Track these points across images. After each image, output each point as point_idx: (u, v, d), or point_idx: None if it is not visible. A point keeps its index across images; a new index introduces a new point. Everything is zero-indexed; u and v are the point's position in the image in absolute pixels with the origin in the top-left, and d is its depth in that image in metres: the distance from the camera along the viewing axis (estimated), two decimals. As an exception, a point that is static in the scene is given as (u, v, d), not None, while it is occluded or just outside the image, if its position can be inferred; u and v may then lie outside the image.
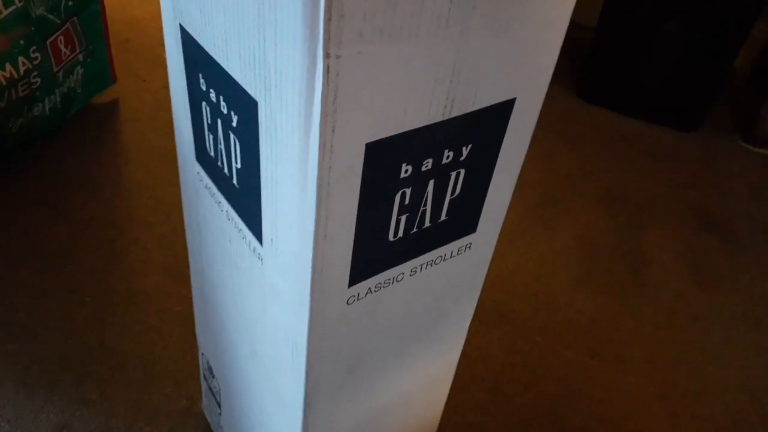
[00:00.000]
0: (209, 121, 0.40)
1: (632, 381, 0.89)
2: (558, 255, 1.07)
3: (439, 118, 0.33)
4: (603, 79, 1.48)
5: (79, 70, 1.17)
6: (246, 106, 0.34)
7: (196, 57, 0.38)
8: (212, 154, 0.42)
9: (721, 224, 1.19)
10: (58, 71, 1.09)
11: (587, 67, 1.49)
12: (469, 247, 0.45)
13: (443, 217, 0.40)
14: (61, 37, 1.08)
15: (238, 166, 0.38)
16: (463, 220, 0.42)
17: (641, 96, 1.45)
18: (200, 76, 0.39)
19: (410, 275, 0.42)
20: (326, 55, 0.26)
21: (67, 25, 1.09)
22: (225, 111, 0.37)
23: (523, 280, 1.02)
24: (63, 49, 1.09)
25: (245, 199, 0.39)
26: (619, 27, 1.41)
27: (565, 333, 0.94)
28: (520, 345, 0.91)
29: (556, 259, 1.06)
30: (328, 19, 0.25)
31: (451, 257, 0.45)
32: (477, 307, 0.93)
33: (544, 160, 1.29)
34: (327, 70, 0.26)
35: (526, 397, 0.85)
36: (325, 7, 0.24)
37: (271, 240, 0.38)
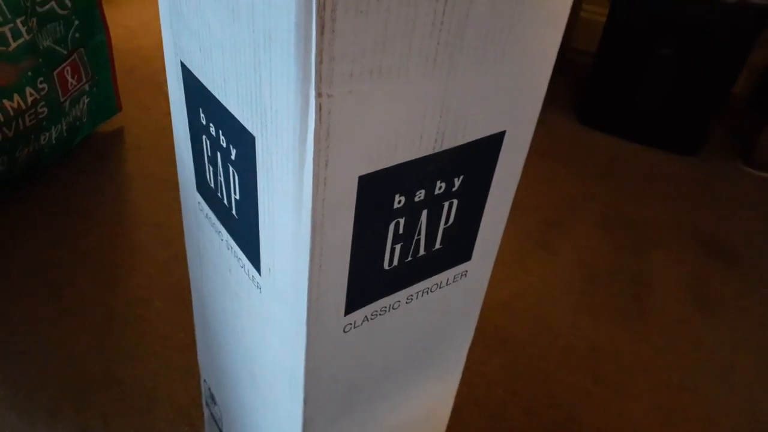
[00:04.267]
0: (209, 154, 0.41)
1: (635, 407, 0.88)
2: (559, 280, 1.08)
3: (430, 151, 0.34)
4: (603, 103, 1.49)
5: (85, 99, 1.19)
6: (244, 141, 0.35)
7: (197, 92, 0.39)
8: (212, 185, 0.43)
9: (723, 248, 1.20)
10: (64, 101, 1.11)
11: (587, 91, 1.51)
12: (465, 275, 0.46)
13: (438, 245, 0.41)
14: (68, 68, 1.10)
15: (237, 197, 0.39)
16: (457, 248, 0.43)
17: (641, 120, 1.46)
18: (200, 110, 0.40)
19: (406, 303, 0.43)
20: (318, 95, 0.27)
21: (74, 55, 1.12)
22: (224, 144, 0.38)
23: (524, 305, 1.02)
24: (70, 80, 1.11)
25: (244, 229, 0.40)
26: (618, 52, 1.43)
27: (566, 358, 0.94)
28: (522, 371, 0.91)
29: (557, 284, 1.07)
30: (319, 62, 0.26)
31: (447, 285, 0.45)
32: (478, 332, 0.93)
33: (545, 185, 1.30)
34: (319, 108, 0.27)
35: (528, 423, 0.84)
36: (316, 51, 0.25)
37: (269, 269, 0.39)
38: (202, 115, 0.40)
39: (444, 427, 0.64)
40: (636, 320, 1.02)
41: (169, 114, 0.46)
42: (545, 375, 0.91)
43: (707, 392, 0.92)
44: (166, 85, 0.45)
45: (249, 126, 0.33)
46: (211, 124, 0.39)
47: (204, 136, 0.41)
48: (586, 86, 1.51)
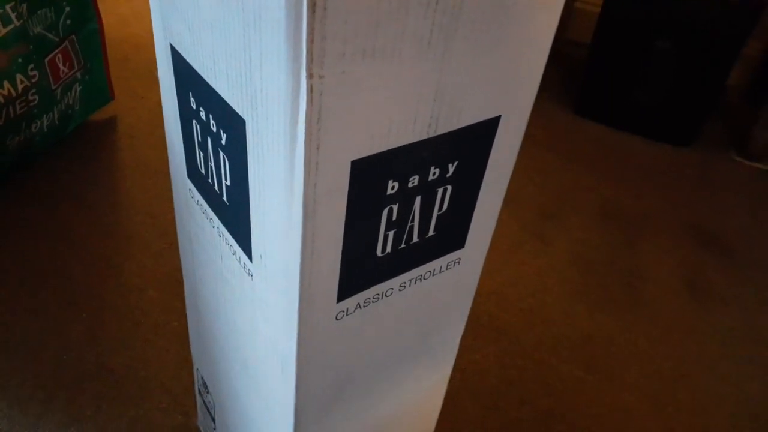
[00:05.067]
0: (200, 139, 0.41)
1: (628, 396, 0.89)
2: (554, 270, 1.08)
3: (424, 136, 0.34)
4: (598, 94, 1.49)
5: (77, 87, 1.18)
6: (234, 125, 0.34)
7: (186, 76, 0.39)
8: (203, 171, 0.42)
9: (717, 238, 1.20)
10: (56, 89, 1.10)
11: (582, 82, 1.51)
12: (458, 263, 0.46)
13: (431, 232, 0.41)
14: (60, 55, 1.09)
15: (228, 183, 0.39)
16: (451, 235, 0.43)
17: (636, 111, 1.46)
18: (190, 94, 0.39)
19: (399, 290, 0.43)
20: (309, 76, 0.26)
21: (66, 43, 1.10)
22: (214, 129, 0.38)
23: (519, 295, 1.02)
24: (61, 67, 1.10)
25: (235, 215, 0.40)
26: (613, 43, 1.42)
27: (560, 348, 0.94)
28: (516, 360, 0.91)
29: (552, 274, 1.07)
30: (310, 41, 0.25)
31: (440, 272, 0.45)
32: (473, 321, 0.93)
33: (540, 176, 1.30)
34: (311, 90, 0.27)
35: (522, 412, 0.84)
36: (307, 30, 0.25)
37: (260, 256, 0.38)
38: (192, 99, 0.39)
39: (436, 414, 0.64)
40: (629, 310, 1.02)
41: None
42: (539, 364, 0.91)
43: (700, 381, 0.92)
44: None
45: (239, 109, 0.33)
46: (201, 109, 0.38)
47: (194, 121, 0.40)
48: (582, 77, 1.51)
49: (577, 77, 1.55)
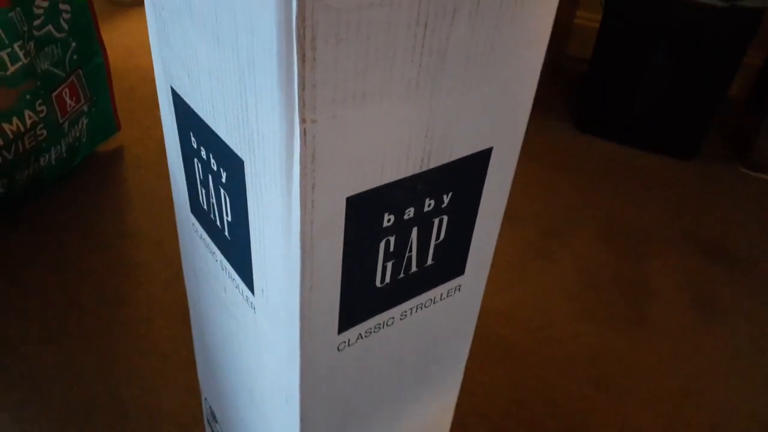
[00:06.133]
0: (201, 177, 0.42)
1: (639, 414, 0.88)
2: (560, 288, 1.08)
3: (417, 170, 0.34)
4: (599, 109, 1.50)
5: (84, 120, 1.20)
6: (233, 165, 0.35)
7: (187, 117, 0.40)
8: (205, 207, 0.43)
9: (723, 252, 1.19)
10: (63, 122, 1.12)
11: (583, 98, 1.52)
12: (459, 289, 0.46)
13: (430, 261, 0.41)
14: (66, 90, 1.11)
15: (229, 219, 0.40)
16: (450, 263, 0.43)
17: (638, 125, 1.47)
18: (191, 134, 0.40)
19: (401, 319, 0.43)
20: (302, 120, 0.27)
21: (72, 77, 1.13)
22: (215, 168, 0.39)
23: (526, 314, 1.02)
24: (68, 101, 1.12)
25: (236, 250, 0.41)
26: (613, 58, 1.44)
27: (569, 366, 0.94)
28: (525, 380, 0.91)
29: (559, 292, 1.07)
30: (302, 89, 0.26)
31: (441, 299, 0.45)
32: (481, 342, 0.93)
33: (543, 193, 1.30)
34: (304, 133, 0.28)
35: (531, 433, 0.84)
36: (298, 79, 0.26)
37: (262, 290, 0.39)
38: (193, 138, 0.40)
39: (445, 440, 0.64)
40: (637, 327, 1.02)
41: (163, 136, 0.47)
42: (548, 384, 0.91)
43: (711, 397, 0.92)
44: (159, 109, 0.45)
45: (237, 150, 0.34)
46: (201, 148, 0.40)
47: (196, 159, 0.41)
48: (582, 93, 1.52)
49: (577, 92, 1.56)
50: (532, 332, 0.99)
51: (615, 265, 1.14)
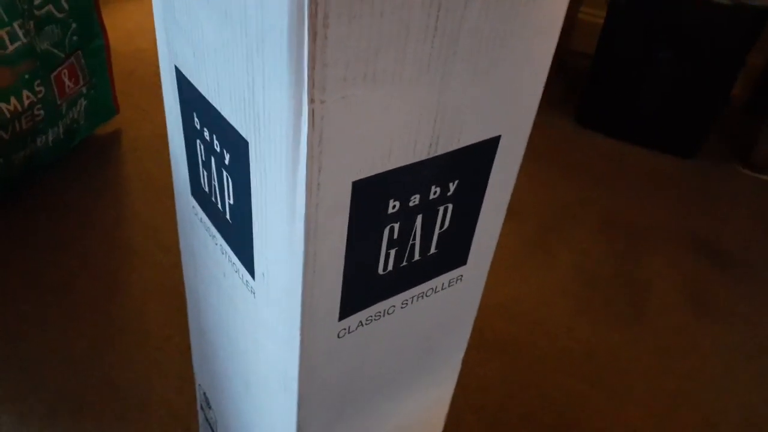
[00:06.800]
0: (203, 159, 0.41)
1: (632, 411, 0.88)
2: (557, 284, 1.07)
3: (424, 156, 0.34)
4: (601, 105, 1.49)
5: (83, 102, 1.19)
6: (237, 146, 0.35)
7: (191, 97, 0.39)
8: (206, 189, 0.43)
9: (721, 252, 1.19)
10: (61, 104, 1.11)
11: (585, 93, 1.51)
12: (460, 279, 0.46)
13: (433, 250, 0.41)
14: (65, 71, 1.10)
15: (231, 202, 0.39)
16: (453, 252, 0.43)
17: (639, 122, 1.46)
18: (194, 115, 0.40)
19: (401, 308, 0.43)
20: (311, 101, 0.27)
21: (71, 59, 1.11)
22: (218, 149, 0.38)
23: (523, 309, 1.02)
24: (67, 83, 1.11)
25: (238, 234, 0.40)
26: (616, 54, 1.43)
27: (564, 362, 0.94)
28: (520, 374, 0.91)
29: (556, 288, 1.07)
30: (312, 68, 0.26)
31: (442, 289, 0.45)
32: (476, 335, 0.93)
33: (543, 188, 1.30)
34: (312, 114, 0.27)
35: (525, 427, 0.84)
36: (309, 57, 0.25)
37: (263, 274, 0.39)
38: (196, 119, 0.40)
39: (440, 431, 0.64)
40: (633, 324, 1.02)
41: (164, 118, 0.46)
42: (543, 379, 0.91)
43: (704, 396, 0.92)
44: (161, 89, 0.45)
45: (242, 131, 0.33)
46: (205, 129, 0.39)
47: (198, 141, 0.41)
48: (585, 88, 1.51)
49: (580, 88, 1.56)
50: (529, 327, 0.99)
51: (612, 262, 1.14)
